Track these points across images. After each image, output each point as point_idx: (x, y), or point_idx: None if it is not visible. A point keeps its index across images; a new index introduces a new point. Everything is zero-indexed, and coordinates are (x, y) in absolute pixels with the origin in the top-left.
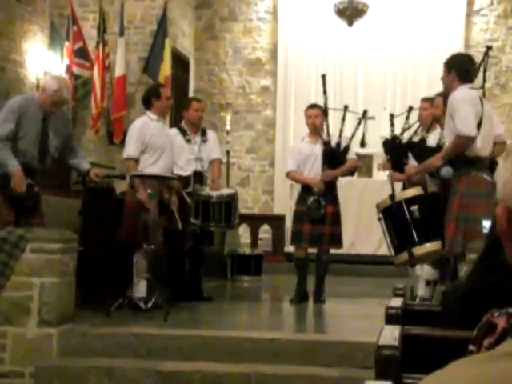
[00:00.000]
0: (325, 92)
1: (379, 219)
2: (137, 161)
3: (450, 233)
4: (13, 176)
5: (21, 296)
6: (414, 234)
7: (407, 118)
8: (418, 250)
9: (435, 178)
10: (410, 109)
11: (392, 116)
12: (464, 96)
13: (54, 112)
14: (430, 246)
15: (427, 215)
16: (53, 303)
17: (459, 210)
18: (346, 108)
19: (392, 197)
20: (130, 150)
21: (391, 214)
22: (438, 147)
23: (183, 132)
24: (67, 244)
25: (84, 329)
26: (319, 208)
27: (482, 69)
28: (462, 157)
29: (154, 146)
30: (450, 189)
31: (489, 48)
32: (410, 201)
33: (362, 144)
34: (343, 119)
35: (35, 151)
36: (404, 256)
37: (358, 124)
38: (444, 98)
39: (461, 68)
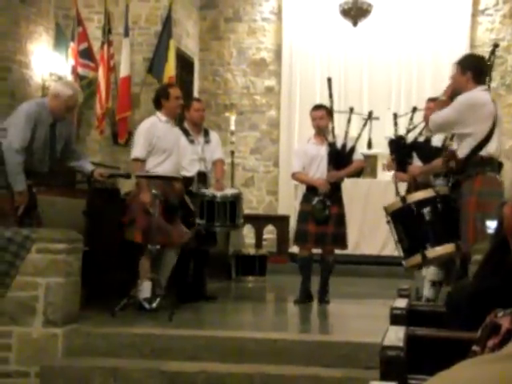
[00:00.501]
0: (331, 95)
1: (388, 222)
2: (143, 162)
3: (469, 233)
4: (18, 195)
5: (26, 296)
6: (428, 236)
7: (411, 118)
8: (432, 253)
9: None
10: (415, 109)
11: (395, 116)
12: (471, 98)
13: (66, 117)
14: (443, 249)
15: (440, 217)
16: (58, 303)
17: (476, 210)
18: (351, 110)
19: (403, 199)
20: (138, 151)
21: (403, 216)
22: (444, 148)
23: (186, 133)
24: (72, 244)
25: (89, 329)
26: (324, 209)
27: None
28: (478, 157)
29: (161, 147)
30: (460, 189)
31: (496, 46)
32: (423, 203)
33: (369, 145)
34: (349, 121)
35: (44, 156)
36: (417, 259)
37: (364, 125)
38: (451, 99)
39: (477, 69)
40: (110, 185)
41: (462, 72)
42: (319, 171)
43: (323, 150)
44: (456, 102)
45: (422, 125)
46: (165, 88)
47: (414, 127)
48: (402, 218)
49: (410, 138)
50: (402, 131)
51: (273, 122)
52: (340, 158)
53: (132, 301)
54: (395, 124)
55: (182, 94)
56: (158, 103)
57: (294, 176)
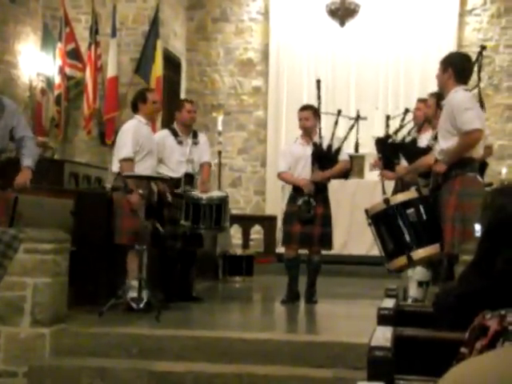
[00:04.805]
0: (319, 97)
1: (369, 224)
2: (133, 161)
3: (447, 233)
4: None
5: (14, 296)
6: (413, 237)
7: (403, 119)
8: (418, 254)
9: (427, 179)
10: (407, 111)
11: (388, 117)
12: (465, 96)
13: None
14: (429, 250)
15: (424, 218)
16: (46, 303)
17: (455, 211)
18: (339, 112)
19: (387, 201)
20: (127, 151)
21: (386, 218)
22: (429, 148)
23: (174, 133)
24: (60, 244)
25: (77, 329)
26: (309, 209)
27: (476, 68)
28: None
29: (145, 148)
30: (439, 190)
31: (483, 48)
32: (407, 204)
33: (356, 149)
34: (336, 123)
35: None
36: (402, 260)
37: (351, 127)
38: (438, 97)
39: (458, 67)
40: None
41: (443, 70)
42: (304, 171)
43: (309, 150)
44: (456, 107)
45: (411, 124)
46: (142, 92)
47: (402, 126)
48: (386, 220)
49: (399, 137)
50: (391, 132)
51: (260, 122)
52: (325, 158)
53: (120, 301)
54: (387, 126)
55: (162, 97)
56: (135, 106)
57: (280, 176)
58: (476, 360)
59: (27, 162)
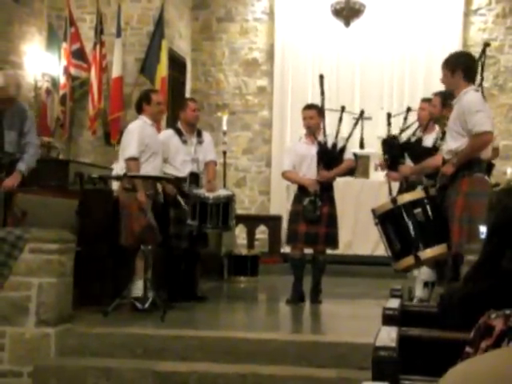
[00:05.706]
0: (322, 93)
1: (376, 224)
2: (138, 161)
3: (455, 234)
4: None
5: (19, 296)
6: (420, 237)
7: (405, 118)
8: (425, 254)
9: (433, 180)
10: (409, 109)
11: (389, 115)
12: (476, 98)
13: (3, 107)
14: (436, 250)
15: (431, 218)
16: (51, 303)
17: (463, 211)
18: (343, 109)
19: (394, 200)
20: (133, 150)
21: (393, 217)
22: (435, 148)
23: (179, 133)
24: (65, 244)
25: (82, 329)
26: (315, 208)
27: (479, 67)
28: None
29: (151, 149)
30: (446, 191)
31: (487, 45)
32: (414, 204)
33: (362, 145)
34: (340, 120)
35: None
36: (409, 260)
37: (355, 124)
38: (443, 96)
39: (467, 67)
40: (102, 184)
41: (451, 72)
42: (310, 171)
43: (314, 150)
44: (467, 109)
45: (416, 125)
46: (147, 93)
47: (407, 127)
48: (393, 220)
49: (404, 137)
50: (395, 131)
51: (265, 122)
52: (330, 157)
53: (124, 301)
54: (389, 124)
55: (167, 98)
56: (140, 107)
57: (284, 175)
58: (477, 359)
59: (21, 166)
